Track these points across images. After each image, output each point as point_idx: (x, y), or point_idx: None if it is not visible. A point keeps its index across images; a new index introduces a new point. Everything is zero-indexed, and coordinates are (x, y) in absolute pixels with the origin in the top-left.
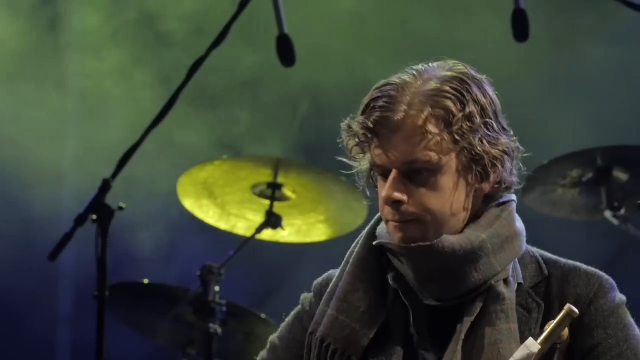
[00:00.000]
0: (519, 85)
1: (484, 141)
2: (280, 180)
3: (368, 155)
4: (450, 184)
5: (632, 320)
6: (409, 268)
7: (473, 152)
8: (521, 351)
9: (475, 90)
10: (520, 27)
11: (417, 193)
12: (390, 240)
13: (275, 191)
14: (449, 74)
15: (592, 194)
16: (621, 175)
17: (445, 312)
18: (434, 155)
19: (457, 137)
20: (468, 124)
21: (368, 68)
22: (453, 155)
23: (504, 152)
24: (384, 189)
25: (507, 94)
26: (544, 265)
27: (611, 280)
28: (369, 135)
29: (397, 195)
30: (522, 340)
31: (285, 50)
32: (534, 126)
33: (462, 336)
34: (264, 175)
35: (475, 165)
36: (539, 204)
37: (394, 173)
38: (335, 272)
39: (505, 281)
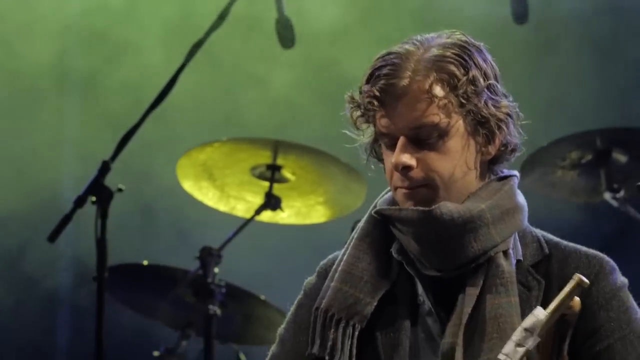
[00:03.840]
0: (517, 68)
1: (489, 104)
2: (279, 161)
3: (371, 129)
4: (458, 147)
5: (634, 303)
6: (410, 236)
7: (479, 115)
8: (529, 318)
9: (476, 55)
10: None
11: (425, 157)
12: (396, 208)
13: (274, 173)
14: (449, 41)
15: (592, 176)
16: (620, 157)
17: (448, 284)
18: (441, 119)
19: (462, 100)
20: (472, 87)
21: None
22: (459, 118)
23: (508, 114)
24: (393, 156)
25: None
26: (544, 245)
27: (612, 263)
28: (375, 104)
29: (406, 160)
30: (523, 317)
31: (285, 33)
32: (533, 108)
33: (467, 309)
34: (263, 157)
35: (482, 128)
36: (538, 185)
37: (401, 139)
38: (339, 253)
39: (505, 254)
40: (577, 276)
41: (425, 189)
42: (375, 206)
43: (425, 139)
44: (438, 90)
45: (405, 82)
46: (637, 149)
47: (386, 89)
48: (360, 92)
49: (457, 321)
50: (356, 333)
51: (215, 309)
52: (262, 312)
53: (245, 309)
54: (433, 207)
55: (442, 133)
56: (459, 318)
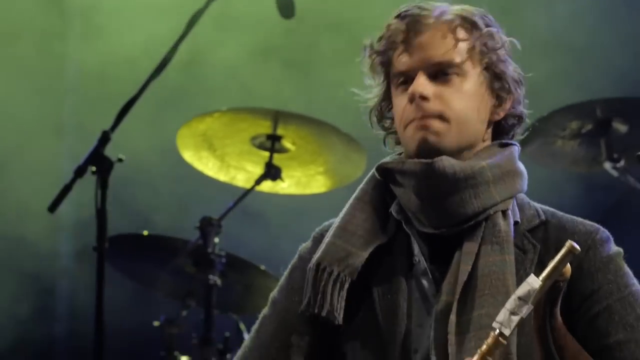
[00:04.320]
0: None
1: (504, 62)
2: (279, 131)
3: (379, 88)
4: (473, 91)
5: (629, 271)
6: (410, 190)
7: (495, 69)
8: (522, 287)
9: (494, 21)
10: None
11: (442, 92)
12: (399, 161)
13: (274, 143)
14: (463, 5)
15: (592, 146)
16: (621, 127)
17: (444, 244)
18: (462, 60)
19: (483, 49)
20: (491, 41)
21: None
22: (478, 67)
23: (518, 80)
24: (409, 88)
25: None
26: (541, 213)
27: (607, 232)
28: (399, 38)
29: (423, 89)
30: (518, 280)
31: (285, 2)
32: (531, 78)
33: (466, 267)
34: (263, 127)
35: (496, 82)
36: (538, 155)
37: (420, 73)
38: (336, 220)
39: (504, 214)
40: (569, 243)
41: (438, 121)
42: (374, 172)
43: (443, 76)
44: (462, 34)
45: (430, 20)
46: (638, 118)
47: (411, 24)
48: (380, 39)
49: (451, 279)
50: (346, 285)
51: (215, 279)
52: (262, 282)
53: (246, 279)
54: (435, 159)
55: (461, 74)
56: (454, 276)
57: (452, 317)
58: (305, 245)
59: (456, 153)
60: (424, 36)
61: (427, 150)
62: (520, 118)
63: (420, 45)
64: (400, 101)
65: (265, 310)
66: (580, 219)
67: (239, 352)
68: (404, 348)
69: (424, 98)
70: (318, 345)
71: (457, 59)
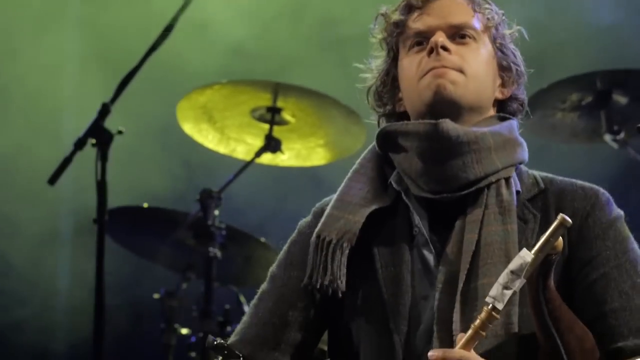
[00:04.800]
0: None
1: (511, 48)
2: (279, 104)
3: (387, 58)
4: (487, 59)
5: (630, 234)
6: (413, 152)
7: (504, 51)
8: (515, 261)
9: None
10: None
11: (461, 50)
12: (402, 123)
13: (274, 115)
14: None
15: (592, 118)
16: (621, 99)
17: (444, 212)
18: (480, 26)
19: (496, 30)
20: (503, 25)
21: None
22: (490, 43)
23: (521, 70)
24: (431, 39)
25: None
26: (540, 181)
27: (607, 194)
28: (417, 4)
29: (444, 41)
30: (520, 250)
31: None
32: (532, 49)
33: (471, 236)
34: (263, 99)
35: (504, 62)
36: (539, 128)
37: (439, 32)
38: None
39: (507, 182)
40: (561, 216)
41: (456, 72)
42: (372, 146)
43: (461, 38)
44: (478, 8)
45: None
46: (638, 90)
47: None
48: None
49: (454, 249)
50: (345, 251)
51: (215, 252)
52: (262, 255)
53: (246, 251)
54: (440, 120)
55: (478, 39)
56: (457, 246)
57: (460, 286)
58: (305, 220)
59: (466, 112)
60: (444, 2)
61: (441, 99)
62: (522, 104)
63: (440, 8)
64: (414, 59)
65: (264, 286)
66: (580, 183)
67: (238, 328)
68: (408, 320)
69: (445, 49)
70: (318, 320)
71: (477, 25)
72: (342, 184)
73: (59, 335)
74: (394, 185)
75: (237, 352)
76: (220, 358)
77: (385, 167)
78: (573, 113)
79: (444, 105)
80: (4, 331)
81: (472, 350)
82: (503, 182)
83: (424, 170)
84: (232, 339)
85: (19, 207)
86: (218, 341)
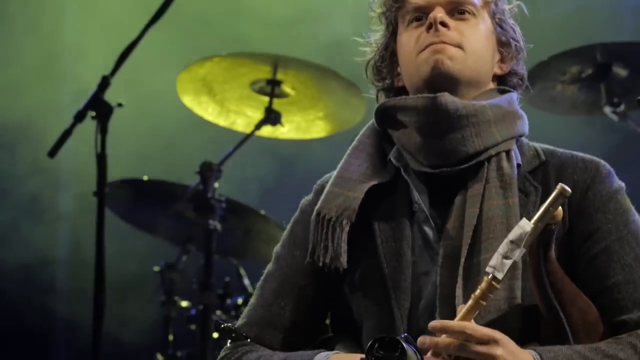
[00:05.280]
0: None
1: (510, 24)
2: (279, 76)
3: (385, 32)
4: (486, 35)
5: (631, 206)
6: (412, 127)
7: (503, 27)
8: (515, 231)
9: None
10: None
11: (460, 26)
12: (400, 98)
13: (274, 88)
14: None
15: (592, 90)
16: (621, 71)
17: (444, 187)
18: (480, 2)
19: (496, 6)
20: (502, 1)
21: None
22: (490, 19)
23: (520, 46)
24: (430, 15)
25: None
26: (541, 153)
27: (608, 166)
28: None
29: (443, 16)
30: None
31: None
32: (532, 22)
33: (473, 210)
34: (263, 72)
35: (503, 38)
36: (538, 100)
37: (438, 7)
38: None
39: (507, 155)
40: (560, 186)
41: (455, 48)
42: (371, 123)
43: (460, 14)
44: None
45: None
46: (638, 62)
47: None
48: None
49: (455, 223)
50: (346, 228)
51: (215, 224)
52: (262, 227)
53: (245, 224)
54: (438, 94)
55: (477, 14)
56: (458, 220)
57: (462, 261)
58: (307, 198)
59: (464, 87)
60: None
61: (440, 73)
62: (522, 79)
63: None
64: (412, 34)
65: (269, 266)
66: (580, 155)
67: (245, 311)
68: (410, 296)
69: (444, 25)
70: (323, 298)
71: (475, 1)
72: (342, 161)
73: (58, 307)
74: (393, 161)
75: (244, 334)
76: (228, 341)
77: (384, 144)
78: (573, 85)
79: (442, 81)
80: (4, 309)
81: (472, 321)
82: (504, 155)
83: (423, 145)
84: (239, 322)
85: (17, 180)
86: (225, 325)
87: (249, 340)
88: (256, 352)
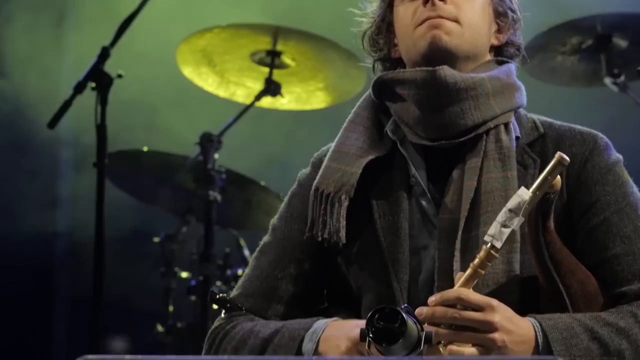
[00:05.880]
0: None
1: None
2: (279, 47)
3: (382, 4)
4: (482, 7)
5: (629, 178)
6: (411, 100)
7: None
8: (514, 199)
9: None
10: None
11: (455, 0)
12: (398, 71)
13: (274, 59)
14: None
15: (592, 61)
16: (621, 42)
17: (442, 161)
18: None
19: None
20: None
21: None
22: None
23: (517, 16)
24: None
25: None
26: (539, 125)
27: (606, 139)
28: None
29: None
30: None
31: None
32: None
33: (471, 183)
34: (263, 43)
35: (500, 8)
36: (538, 71)
37: None
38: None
39: (506, 127)
40: (558, 154)
41: (451, 23)
42: (367, 94)
43: None
44: None
45: None
46: (638, 33)
47: None
48: None
49: (454, 197)
50: (344, 204)
51: (215, 195)
52: (262, 198)
53: (245, 195)
54: (437, 67)
55: None
56: (456, 194)
57: (459, 234)
58: (304, 171)
59: (462, 60)
60: None
61: (437, 49)
62: (519, 49)
63: None
64: (409, 7)
65: (265, 238)
66: (578, 128)
67: (240, 281)
68: (409, 269)
69: None
70: (320, 271)
71: None
72: (339, 135)
73: (58, 278)
74: (390, 134)
75: (239, 305)
76: (223, 311)
77: (381, 116)
78: (573, 56)
79: (439, 56)
80: (5, 279)
81: (470, 289)
82: (502, 127)
83: (421, 118)
84: (234, 292)
85: (17, 152)
86: (221, 295)
87: (244, 310)
88: (251, 321)
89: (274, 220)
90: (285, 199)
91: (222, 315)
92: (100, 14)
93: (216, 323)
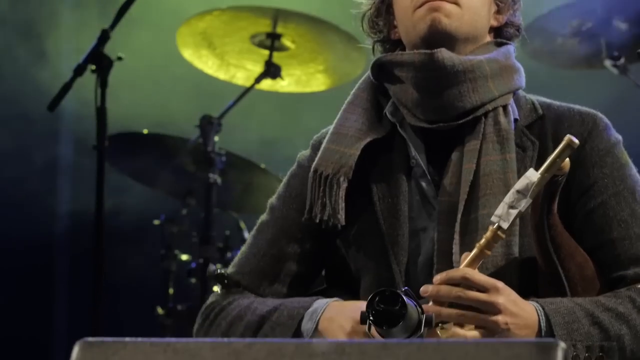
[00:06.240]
0: None
1: None
2: (279, 30)
3: None
4: None
5: (629, 160)
6: (409, 82)
7: None
8: (522, 181)
9: None
10: None
11: None
12: (397, 53)
13: (274, 41)
14: None
15: (592, 44)
16: (621, 25)
17: (441, 143)
18: None
19: None
20: None
21: None
22: None
23: None
24: None
25: None
26: (538, 106)
27: (606, 119)
28: None
29: None
30: (519, 177)
31: None
32: None
33: (470, 166)
34: (263, 25)
35: None
36: (539, 54)
37: None
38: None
39: (505, 110)
40: (568, 137)
41: (450, 4)
42: (367, 76)
43: None
44: None
45: None
46: (638, 16)
47: None
48: None
49: (453, 180)
50: (343, 185)
51: (215, 178)
52: (262, 181)
53: (246, 178)
54: (435, 50)
55: None
56: (455, 176)
57: (459, 217)
58: (304, 152)
59: (461, 42)
60: None
61: (436, 31)
62: (518, 29)
63: None
64: None
65: (263, 217)
66: (577, 108)
67: (236, 259)
68: (408, 252)
69: None
70: (317, 252)
71: None
72: (338, 116)
73: (59, 261)
74: (389, 116)
75: (236, 282)
76: (220, 287)
77: (380, 97)
78: (573, 39)
79: (438, 38)
80: (4, 262)
81: (476, 269)
82: (500, 110)
83: (420, 100)
84: (230, 269)
85: (17, 134)
86: (218, 271)
87: (241, 287)
88: (247, 298)
89: (272, 199)
90: (284, 179)
91: (218, 291)
92: None
93: (212, 298)
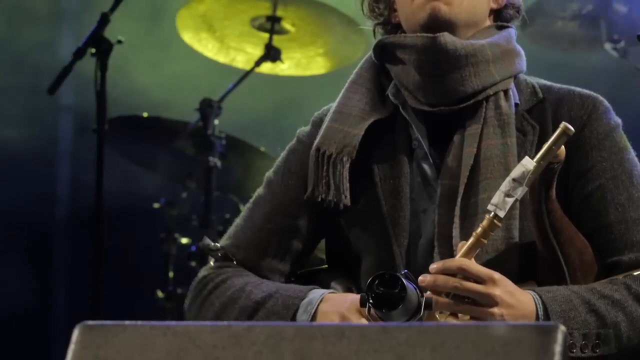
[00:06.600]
0: None
1: None
2: (279, 13)
3: None
4: None
5: (627, 144)
6: (411, 65)
7: None
8: (517, 169)
9: None
10: None
11: None
12: (399, 36)
13: (274, 24)
14: None
15: (592, 27)
16: (621, 8)
17: (443, 126)
18: None
19: None
20: None
21: None
22: None
23: None
24: None
25: None
26: (538, 90)
27: (606, 103)
28: None
29: None
30: (519, 160)
31: None
32: None
33: (470, 150)
34: (263, 8)
35: None
36: (538, 37)
37: None
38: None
39: (506, 94)
40: (563, 124)
41: None
42: (369, 56)
43: None
44: None
45: None
46: None
47: None
48: None
49: (454, 163)
50: (346, 165)
51: (215, 161)
52: (262, 164)
53: (246, 161)
54: (437, 34)
55: None
56: (456, 160)
57: (459, 201)
58: (304, 129)
59: (462, 28)
60: None
61: (436, 20)
62: (518, 10)
63: None
64: None
65: (260, 190)
66: (577, 90)
67: (231, 231)
68: (409, 233)
69: None
70: (314, 229)
71: None
72: (340, 95)
73: (59, 244)
74: (392, 98)
75: (231, 256)
76: (214, 260)
77: (382, 78)
78: (573, 22)
79: (438, 25)
80: (4, 245)
81: (472, 259)
82: (502, 94)
83: (421, 84)
84: (224, 241)
85: (17, 117)
86: (213, 244)
87: (234, 262)
88: (242, 277)
89: (269, 173)
90: (283, 154)
91: (212, 264)
92: None
93: (204, 272)
